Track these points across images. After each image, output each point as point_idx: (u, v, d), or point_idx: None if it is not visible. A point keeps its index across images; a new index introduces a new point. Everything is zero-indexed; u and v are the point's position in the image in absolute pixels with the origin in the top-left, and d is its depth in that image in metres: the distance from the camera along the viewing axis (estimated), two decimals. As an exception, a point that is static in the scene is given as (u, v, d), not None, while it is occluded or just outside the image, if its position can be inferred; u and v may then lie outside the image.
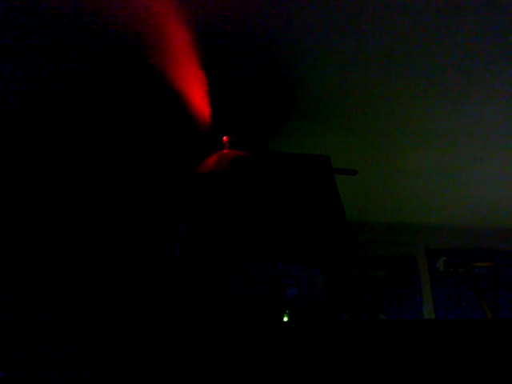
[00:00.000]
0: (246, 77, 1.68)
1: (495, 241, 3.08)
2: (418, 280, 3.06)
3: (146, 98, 1.58)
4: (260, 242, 1.36)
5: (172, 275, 1.31)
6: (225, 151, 1.46)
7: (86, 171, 1.58)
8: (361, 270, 3.10)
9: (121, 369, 1.09)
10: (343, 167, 1.91)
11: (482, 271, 3.01)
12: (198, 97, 1.50)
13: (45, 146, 1.62)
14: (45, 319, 1.30)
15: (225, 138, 1.47)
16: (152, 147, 1.60)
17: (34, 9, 1.34)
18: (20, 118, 1.54)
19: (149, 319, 1.22)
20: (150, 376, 1.08)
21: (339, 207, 1.92)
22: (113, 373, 1.10)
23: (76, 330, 1.15)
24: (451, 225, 2.98)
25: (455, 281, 3.05)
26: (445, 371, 1.09)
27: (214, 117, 1.57)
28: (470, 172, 2.26)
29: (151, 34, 1.46)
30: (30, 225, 1.52)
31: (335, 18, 1.47)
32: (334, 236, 1.71)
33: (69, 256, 1.47)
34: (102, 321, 1.20)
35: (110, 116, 1.61)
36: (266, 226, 1.42)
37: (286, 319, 1.32)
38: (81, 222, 1.51)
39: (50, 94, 1.58)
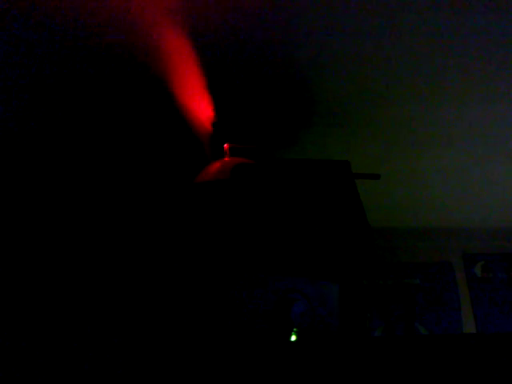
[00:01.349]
0: (259, 82, 1.62)
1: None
2: (455, 287, 2.89)
3: (149, 108, 1.53)
4: (264, 254, 1.27)
5: (172, 286, 1.24)
6: (226, 159, 1.38)
7: (83, 180, 1.54)
8: (394, 278, 2.96)
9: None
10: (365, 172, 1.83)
11: (523, 276, 2.83)
12: (201, 105, 1.43)
13: (49, 160, 1.59)
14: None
15: (226, 145, 1.39)
16: (151, 156, 1.56)
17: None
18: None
19: (150, 335, 1.16)
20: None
21: (361, 213, 1.82)
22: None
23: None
24: (488, 227, 2.81)
25: (495, 287, 2.86)
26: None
27: (227, 125, 1.51)
28: (502, 171, 2.11)
29: (151, 41, 1.41)
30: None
31: (353, 19, 1.40)
32: (354, 244, 1.60)
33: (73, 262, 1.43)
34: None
35: (108, 124, 1.57)
36: (271, 236, 1.33)
37: (293, 338, 1.22)
38: (81, 229, 1.47)
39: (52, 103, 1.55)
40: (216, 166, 1.34)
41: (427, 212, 2.55)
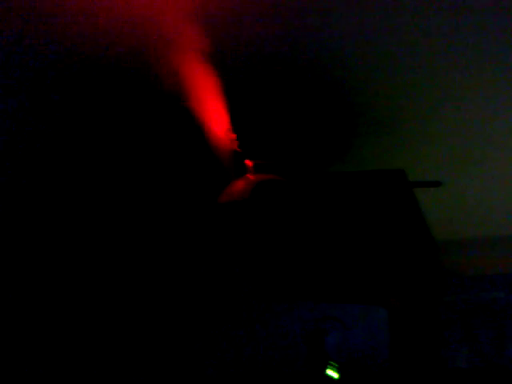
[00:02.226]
0: (300, 95, 1.54)
1: None
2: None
3: (170, 128, 1.49)
4: (290, 279, 1.15)
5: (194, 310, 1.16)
6: (249, 176, 1.28)
7: (103, 195, 1.52)
8: (474, 293, 2.69)
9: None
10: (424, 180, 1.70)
11: None
12: (222, 120, 1.36)
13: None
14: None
15: (248, 161, 1.29)
16: (174, 176, 1.50)
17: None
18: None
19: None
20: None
21: (422, 225, 1.65)
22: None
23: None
24: None
25: None
26: None
27: (258, 142, 1.44)
28: None
29: (171, 62, 1.37)
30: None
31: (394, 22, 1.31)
32: (416, 259, 1.44)
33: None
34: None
35: (131, 146, 1.54)
36: (303, 257, 1.20)
37: (335, 375, 1.07)
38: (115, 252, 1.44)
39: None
40: (239, 184, 1.24)
41: (498, 219, 2.30)
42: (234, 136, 1.32)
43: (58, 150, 1.55)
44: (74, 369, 1.20)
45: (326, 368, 1.06)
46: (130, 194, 1.51)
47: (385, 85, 1.55)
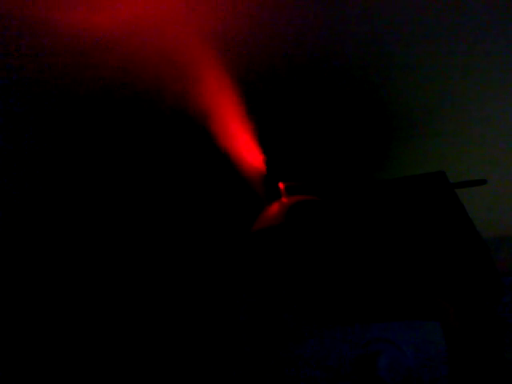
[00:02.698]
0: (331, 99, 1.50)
1: None
2: None
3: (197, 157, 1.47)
4: (335, 302, 1.11)
5: (235, 338, 1.13)
6: (283, 200, 1.25)
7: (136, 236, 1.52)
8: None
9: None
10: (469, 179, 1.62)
11: None
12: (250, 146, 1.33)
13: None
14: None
15: (280, 184, 1.26)
16: (205, 208, 1.49)
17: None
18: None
19: None
20: None
21: (469, 226, 1.58)
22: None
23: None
24: None
25: None
26: None
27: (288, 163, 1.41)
28: None
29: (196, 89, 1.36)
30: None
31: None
32: (466, 264, 1.38)
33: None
34: None
35: (159, 177, 1.53)
36: (347, 279, 1.16)
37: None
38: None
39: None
40: (272, 209, 1.21)
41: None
42: (263, 158, 1.30)
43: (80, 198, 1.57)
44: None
45: (380, 393, 1.02)
46: (162, 225, 1.51)
47: (420, 85, 1.50)
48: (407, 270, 1.26)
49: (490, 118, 1.62)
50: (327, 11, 1.24)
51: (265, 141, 1.30)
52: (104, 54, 1.25)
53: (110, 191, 1.52)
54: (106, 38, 1.26)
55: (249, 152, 1.29)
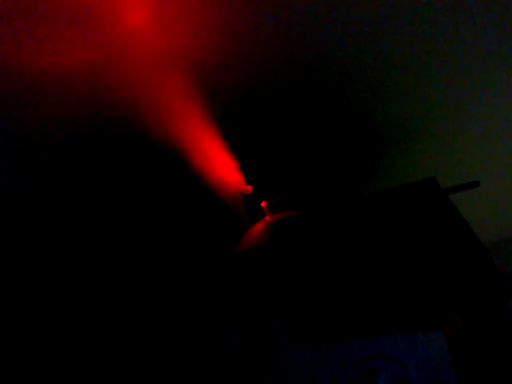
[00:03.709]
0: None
1: None
2: None
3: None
4: (330, 317, 1.05)
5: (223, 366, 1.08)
6: (266, 218, 1.21)
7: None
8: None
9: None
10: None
11: None
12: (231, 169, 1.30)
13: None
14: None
15: (263, 203, 1.22)
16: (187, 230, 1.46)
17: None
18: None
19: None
20: None
21: (466, 231, 1.54)
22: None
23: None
24: None
25: None
26: None
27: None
28: None
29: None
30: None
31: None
32: (467, 269, 1.33)
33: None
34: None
35: (138, 203, 1.50)
36: (339, 292, 1.11)
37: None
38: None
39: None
40: (256, 229, 1.17)
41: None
42: (243, 178, 1.26)
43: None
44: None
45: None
46: (147, 252, 1.47)
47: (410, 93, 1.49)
48: (408, 281, 1.21)
49: (487, 120, 1.61)
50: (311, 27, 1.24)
51: (244, 161, 1.27)
52: (68, 91, 1.24)
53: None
54: (70, 77, 1.25)
55: (228, 175, 1.26)
